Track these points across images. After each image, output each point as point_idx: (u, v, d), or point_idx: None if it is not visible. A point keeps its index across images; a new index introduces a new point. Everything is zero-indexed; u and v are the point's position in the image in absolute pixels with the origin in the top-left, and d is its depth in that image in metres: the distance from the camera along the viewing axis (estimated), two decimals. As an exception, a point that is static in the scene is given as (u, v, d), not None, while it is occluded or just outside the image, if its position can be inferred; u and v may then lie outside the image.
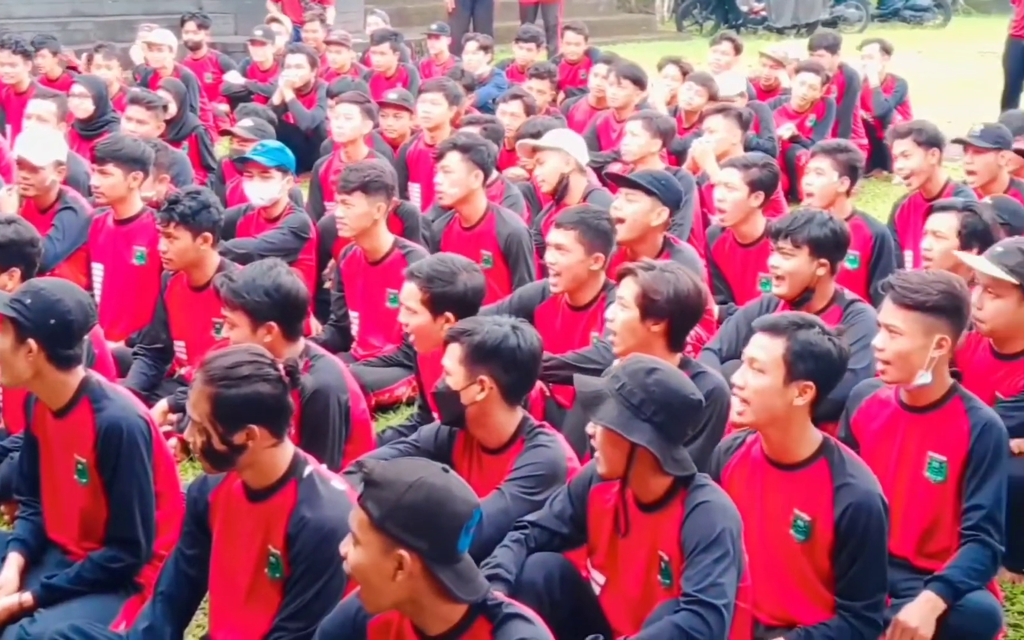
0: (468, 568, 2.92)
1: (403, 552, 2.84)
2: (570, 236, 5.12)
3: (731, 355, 5.04)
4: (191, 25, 11.74)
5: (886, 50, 11.22)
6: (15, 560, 4.15)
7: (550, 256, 5.22)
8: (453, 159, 6.35)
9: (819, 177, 6.36)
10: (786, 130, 9.64)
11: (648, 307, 4.42)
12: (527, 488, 3.93)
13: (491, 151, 6.62)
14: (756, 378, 3.73)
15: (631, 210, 5.61)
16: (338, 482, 3.59)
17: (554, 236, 5.21)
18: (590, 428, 3.61)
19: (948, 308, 4.05)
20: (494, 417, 4.06)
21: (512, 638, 2.89)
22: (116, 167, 6.20)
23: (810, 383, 3.70)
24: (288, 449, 3.56)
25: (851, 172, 6.34)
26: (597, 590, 3.77)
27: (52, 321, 3.94)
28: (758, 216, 6.11)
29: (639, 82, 9.13)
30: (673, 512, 3.53)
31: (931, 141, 6.69)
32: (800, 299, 5.04)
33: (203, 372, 3.43)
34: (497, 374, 4.00)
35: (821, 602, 3.77)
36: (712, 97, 9.00)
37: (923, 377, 4.05)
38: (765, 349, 3.74)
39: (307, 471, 3.54)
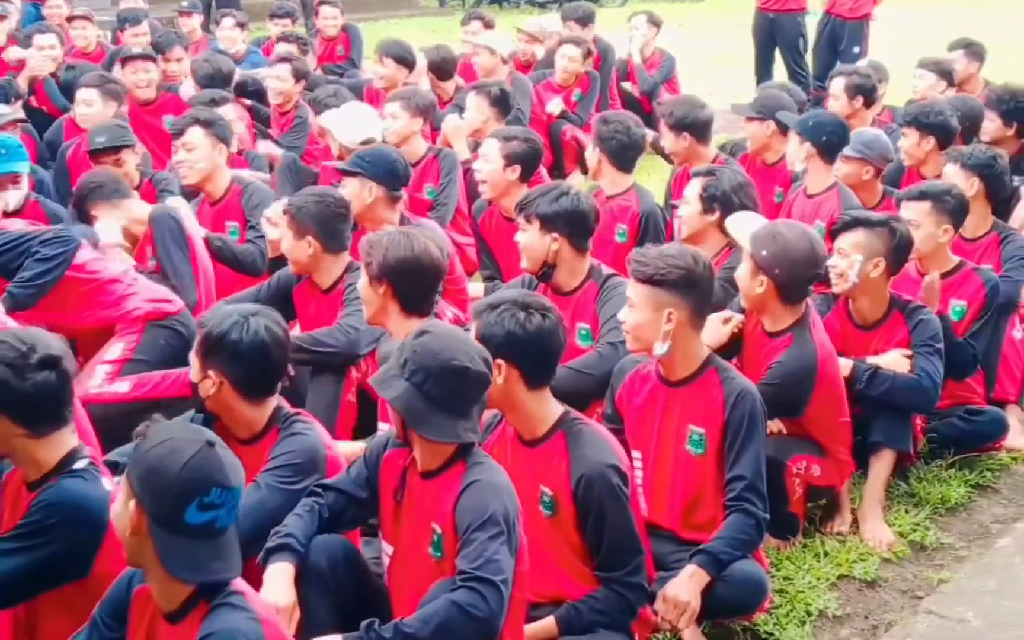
0: (198, 545, 2.83)
1: (131, 505, 2.86)
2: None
3: None
4: None
5: (654, 23, 11.21)
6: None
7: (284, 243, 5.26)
8: (196, 134, 6.18)
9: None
10: (555, 106, 9.60)
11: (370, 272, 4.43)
12: (284, 478, 3.78)
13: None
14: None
15: (347, 192, 5.61)
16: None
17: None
18: None
19: (677, 282, 4.08)
20: (235, 410, 3.89)
21: (214, 626, 2.82)
22: None
23: (499, 361, 3.65)
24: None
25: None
26: (386, 562, 3.70)
27: None
28: (521, 190, 5.97)
29: (403, 61, 8.92)
30: (450, 484, 3.46)
31: (680, 125, 6.74)
32: (542, 274, 4.99)
33: None
34: (225, 368, 3.83)
35: (583, 577, 3.78)
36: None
37: (659, 348, 4.10)
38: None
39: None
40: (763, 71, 12.00)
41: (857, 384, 4.84)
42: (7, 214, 5.98)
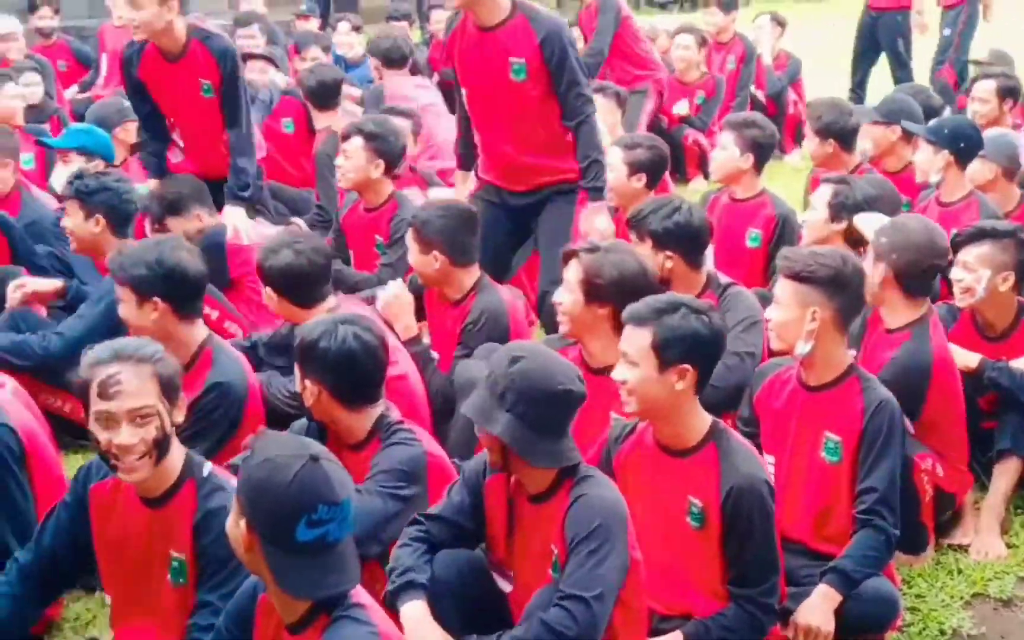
0: (311, 562, 2.79)
1: (242, 524, 2.84)
2: None
3: None
4: (45, 10, 11.11)
5: (779, 23, 11.01)
6: None
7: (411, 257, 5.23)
8: (354, 143, 6.15)
9: (721, 151, 6.26)
10: (681, 107, 9.51)
11: (591, 291, 4.31)
12: (387, 484, 3.77)
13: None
14: (631, 372, 3.64)
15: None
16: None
17: None
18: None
19: (824, 281, 4.02)
20: (337, 418, 3.88)
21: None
22: None
23: (686, 366, 3.59)
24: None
25: (756, 149, 6.17)
26: (508, 588, 3.67)
27: None
28: (647, 198, 5.89)
29: None
30: (560, 504, 3.43)
31: (827, 130, 6.57)
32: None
33: None
34: (319, 376, 3.83)
35: (717, 591, 3.69)
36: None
37: (801, 347, 4.04)
38: (632, 341, 3.66)
39: (206, 470, 3.50)
40: (858, 70, 11.62)
41: (986, 374, 4.70)
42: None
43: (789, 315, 4.07)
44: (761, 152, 6.18)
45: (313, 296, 4.73)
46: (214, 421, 4.28)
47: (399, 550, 3.59)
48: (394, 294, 5.13)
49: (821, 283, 4.03)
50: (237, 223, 6.06)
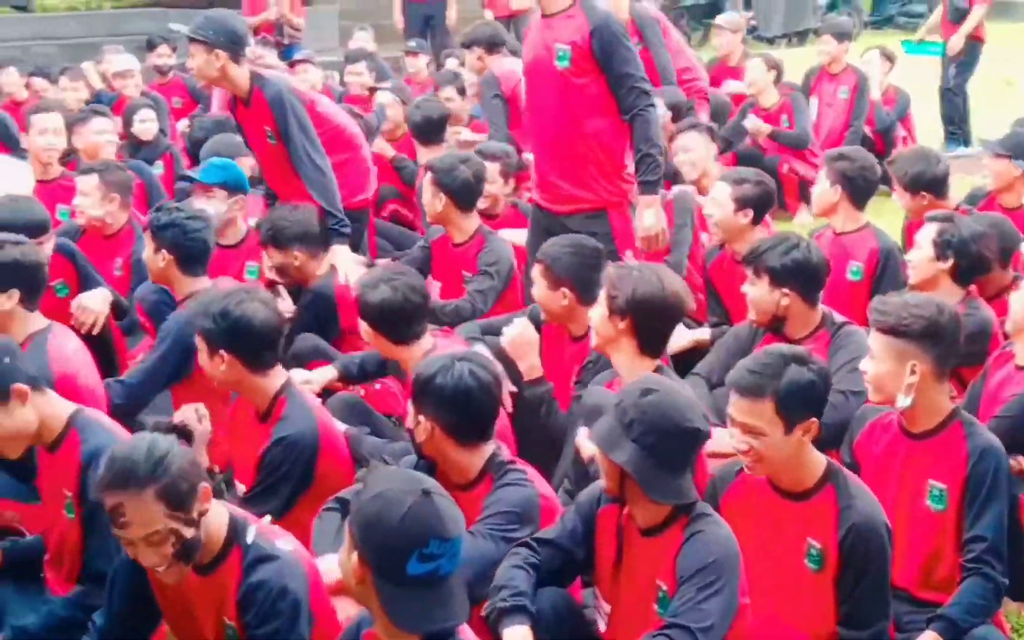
0: (422, 595, 2.81)
1: (354, 557, 2.86)
2: None
3: (721, 382, 4.85)
4: (164, 49, 11.40)
5: (888, 58, 10.81)
6: None
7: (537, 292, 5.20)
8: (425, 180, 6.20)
9: (817, 185, 6.24)
10: (754, 122, 9.43)
11: (612, 305, 4.35)
12: (500, 526, 3.77)
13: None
14: (758, 440, 3.62)
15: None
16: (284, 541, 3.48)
17: None
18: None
19: (921, 333, 3.94)
20: (449, 456, 3.89)
21: None
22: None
23: (812, 419, 3.61)
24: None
25: (848, 182, 6.05)
26: (603, 622, 3.67)
27: None
28: (753, 233, 5.87)
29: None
30: (672, 540, 3.44)
31: (916, 184, 6.41)
32: (773, 327, 4.90)
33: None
34: (434, 413, 3.83)
35: (829, 636, 3.66)
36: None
37: (902, 400, 3.97)
38: (754, 413, 3.62)
39: (251, 536, 3.42)
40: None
41: None
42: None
43: (885, 369, 3.99)
44: (854, 185, 6.07)
45: (409, 333, 4.74)
46: (281, 477, 4.23)
47: (511, 569, 3.59)
48: (520, 333, 5.07)
49: (917, 336, 3.94)
50: (339, 262, 6.08)
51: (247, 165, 7.21)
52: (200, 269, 5.34)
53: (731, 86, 10.30)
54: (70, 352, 4.74)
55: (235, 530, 3.42)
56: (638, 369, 4.20)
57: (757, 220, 5.95)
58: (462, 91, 9.36)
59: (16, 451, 3.99)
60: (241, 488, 4.40)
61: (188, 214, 5.35)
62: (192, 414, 4.25)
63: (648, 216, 5.67)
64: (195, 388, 4.97)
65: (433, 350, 4.65)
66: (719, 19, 11.40)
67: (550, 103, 5.74)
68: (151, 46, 11.52)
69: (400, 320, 4.72)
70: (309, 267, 6.01)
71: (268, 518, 3.75)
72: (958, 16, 11.59)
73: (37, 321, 4.80)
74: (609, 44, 5.53)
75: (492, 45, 8.54)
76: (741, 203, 5.89)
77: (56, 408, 3.99)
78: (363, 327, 4.85)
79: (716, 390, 4.90)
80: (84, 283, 5.81)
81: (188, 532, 3.27)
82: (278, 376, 4.39)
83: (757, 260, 4.87)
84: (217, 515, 3.39)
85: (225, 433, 4.73)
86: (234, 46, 6.16)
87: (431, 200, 6.17)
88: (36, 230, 5.51)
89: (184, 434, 3.39)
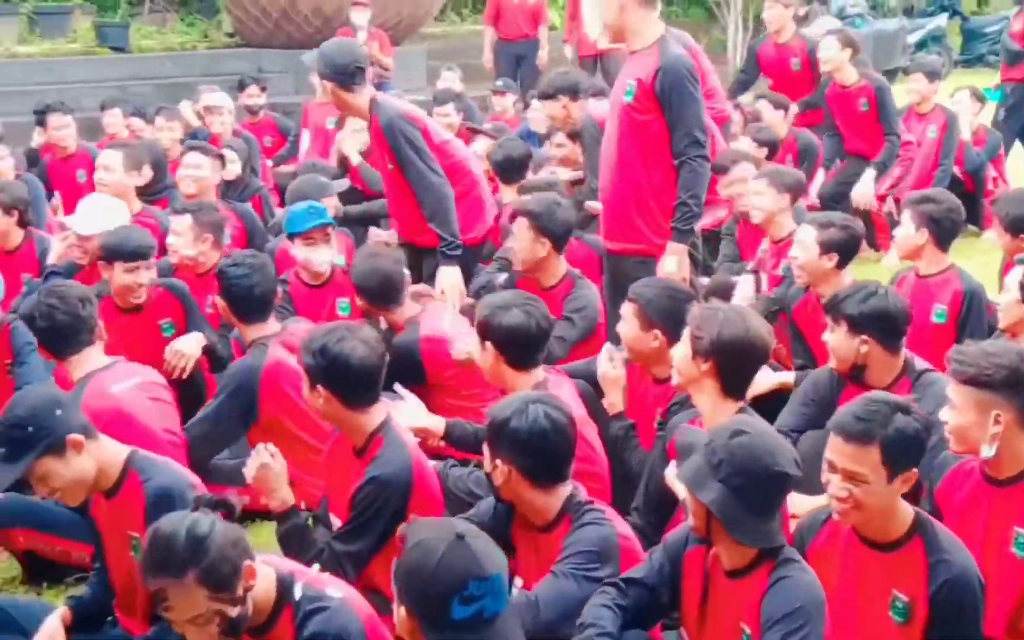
0: (471, 638, 2.88)
1: (402, 610, 2.97)
2: None
3: (806, 429, 4.91)
4: (253, 89, 11.60)
5: (978, 98, 10.70)
6: (59, 612, 4.14)
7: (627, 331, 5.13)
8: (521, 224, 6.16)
9: (900, 228, 6.21)
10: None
11: (695, 345, 4.34)
12: (581, 565, 3.78)
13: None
14: (859, 488, 3.57)
15: None
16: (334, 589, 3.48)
17: None
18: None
19: (1002, 382, 3.87)
20: (526, 498, 3.91)
21: None
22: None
23: (913, 470, 3.59)
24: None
25: (932, 224, 6.01)
26: None
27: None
28: (838, 278, 5.84)
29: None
30: (757, 583, 3.44)
31: (1017, 225, 6.29)
32: (852, 375, 4.88)
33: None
34: (510, 456, 3.85)
35: None
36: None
37: (986, 451, 3.91)
38: (859, 460, 3.56)
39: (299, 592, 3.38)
40: None
41: None
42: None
43: (967, 420, 3.92)
44: (938, 227, 6.03)
45: (530, 360, 4.76)
46: (373, 516, 4.25)
47: (599, 608, 3.61)
48: (608, 370, 5.09)
49: (999, 385, 3.87)
50: (445, 285, 6.16)
51: (331, 205, 7.35)
52: (259, 316, 5.40)
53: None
54: (116, 390, 4.76)
55: (283, 589, 3.37)
56: (720, 411, 4.20)
57: (843, 264, 5.90)
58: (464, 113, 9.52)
59: (77, 500, 4.05)
60: (336, 522, 4.45)
61: (233, 261, 5.48)
62: (265, 454, 4.28)
63: (671, 262, 5.61)
64: (274, 430, 5.08)
65: (544, 383, 4.69)
66: None
67: (613, 139, 5.79)
68: (242, 86, 11.75)
69: (528, 346, 4.73)
70: (391, 318, 5.98)
71: (316, 567, 3.75)
72: (1012, 58, 11.44)
73: (95, 360, 4.86)
74: (672, 84, 5.53)
75: (575, 92, 8.62)
76: (826, 247, 5.85)
77: (111, 453, 4.03)
78: (485, 347, 4.80)
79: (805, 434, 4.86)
80: (190, 324, 5.94)
81: (233, 611, 3.21)
82: (376, 414, 4.39)
83: (836, 308, 4.87)
84: (264, 578, 3.34)
85: (308, 471, 4.83)
86: (340, 76, 6.36)
87: (531, 246, 6.08)
88: (143, 254, 5.78)
89: (228, 507, 3.36)
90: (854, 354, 4.80)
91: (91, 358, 4.85)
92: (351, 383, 4.31)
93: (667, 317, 4.98)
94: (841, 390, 4.86)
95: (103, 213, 6.53)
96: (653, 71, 5.55)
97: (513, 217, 6.22)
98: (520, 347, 4.73)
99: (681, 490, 4.03)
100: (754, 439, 3.48)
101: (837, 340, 4.87)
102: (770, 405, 5.33)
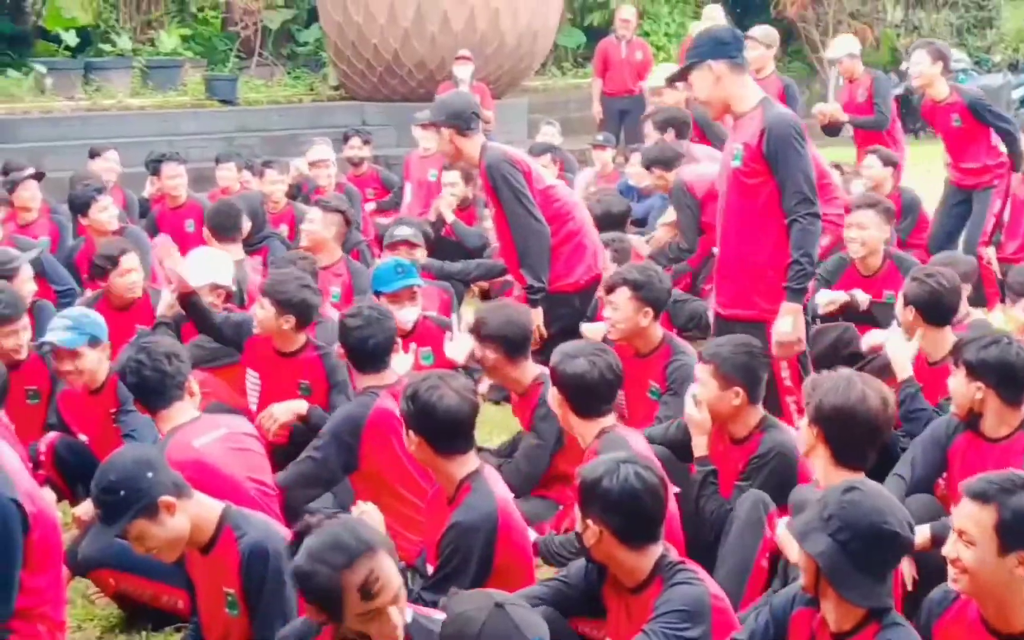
0: None
1: None
2: None
3: (920, 480, 4.84)
4: (356, 141, 11.80)
5: None
6: None
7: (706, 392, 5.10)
8: (621, 295, 6.02)
9: None
10: None
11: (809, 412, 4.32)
12: (673, 624, 3.74)
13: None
14: (968, 550, 3.46)
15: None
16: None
17: None
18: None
19: None
20: (618, 559, 3.89)
21: None
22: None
23: None
24: None
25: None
26: None
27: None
28: (944, 334, 5.71)
29: None
30: None
31: None
32: (969, 423, 4.81)
33: None
34: (602, 517, 3.83)
35: None
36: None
37: None
38: (972, 518, 3.45)
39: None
40: None
41: None
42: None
43: None
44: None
45: (595, 409, 4.79)
46: (457, 565, 4.24)
47: None
48: (694, 413, 5.04)
49: None
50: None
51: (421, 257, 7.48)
52: (371, 366, 5.42)
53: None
54: (198, 444, 4.75)
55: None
56: (833, 479, 4.09)
57: (930, 322, 5.74)
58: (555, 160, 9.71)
59: (172, 556, 4.09)
60: (431, 570, 4.47)
61: (352, 312, 5.56)
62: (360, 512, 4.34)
63: (786, 323, 5.48)
64: (373, 482, 5.13)
65: (612, 428, 4.74)
66: (753, 31, 10.70)
67: (725, 204, 5.76)
68: (345, 139, 11.94)
69: (591, 395, 4.78)
70: (504, 370, 5.80)
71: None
72: None
73: (183, 415, 4.88)
74: (778, 142, 5.45)
75: (669, 164, 8.68)
76: (909, 301, 5.74)
77: (206, 509, 4.05)
78: (552, 392, 4.92)
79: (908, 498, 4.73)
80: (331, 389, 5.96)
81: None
82: (467, 463, 4.41)
83: (958, 352, 4.86)
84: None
85: (405, 526, 4.89)
86: (456, 120, 6.58)
87: (634, 315, 5.95)
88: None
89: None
90: (970, 400, 4.76)
91: (180, 413, 4.88)
92: (439, 429, 4.36)
93: (745, 373, 4.96)
94: (955, 436, 4.83)
95: (211, 264, 6.68)
96: (758, 133, 5.50)
97: (611, 288, 6.08)
98: (584, 394, 4.77)
99: (792, 549, 3.97)
100: (866, 497, 3.45)
101: (956, 384, 4.84)
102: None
